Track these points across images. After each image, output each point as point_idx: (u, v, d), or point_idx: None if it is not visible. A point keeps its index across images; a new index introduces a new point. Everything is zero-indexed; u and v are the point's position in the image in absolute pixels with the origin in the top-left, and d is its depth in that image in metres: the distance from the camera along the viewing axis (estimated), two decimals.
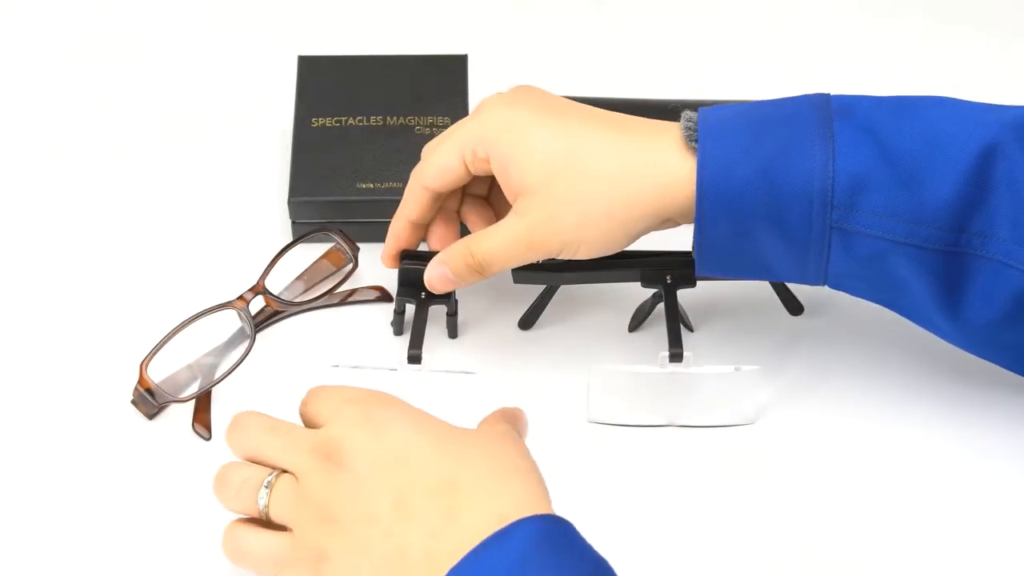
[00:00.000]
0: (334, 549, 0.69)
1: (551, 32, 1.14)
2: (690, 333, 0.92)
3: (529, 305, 0.93)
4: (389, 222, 0.90)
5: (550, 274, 0.89)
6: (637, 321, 0.93)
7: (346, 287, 0.95)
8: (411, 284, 0.89)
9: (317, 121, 1.00)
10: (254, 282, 0.91)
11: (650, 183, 0.79)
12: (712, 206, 0.78)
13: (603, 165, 0.80)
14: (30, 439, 0.87)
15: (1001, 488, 0.85)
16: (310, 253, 0.96)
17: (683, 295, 0.89)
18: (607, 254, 0.83)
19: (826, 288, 0.82)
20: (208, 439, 0.87)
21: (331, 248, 0.97)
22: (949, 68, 1.12)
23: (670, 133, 0.80)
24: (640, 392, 0.87)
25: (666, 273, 0.88)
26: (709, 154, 0.78)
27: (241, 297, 0.90)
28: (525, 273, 0.89)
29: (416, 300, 0.89)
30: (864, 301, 0.84)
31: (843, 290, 0.83)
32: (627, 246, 0.83)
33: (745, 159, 0.78)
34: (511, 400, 0.80)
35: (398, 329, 0.93)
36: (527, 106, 0.83)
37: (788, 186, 0.77)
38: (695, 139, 0.78)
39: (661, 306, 0.90)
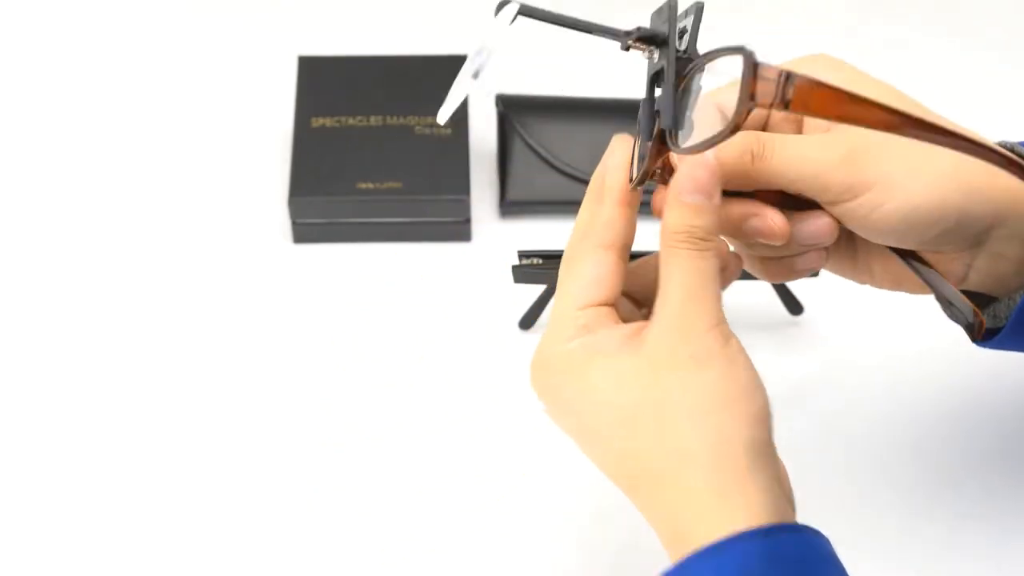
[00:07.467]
0: None
1: (551, 32, 1.14)
2: None
3: (529, 305, 0.93)
4: (389, 222, 0.88)
5: (550, 274, 0.89)
6: None
7: None
8: None
9: (317, 121, 1.00)
10: None
11: (992, 170, 0.61)
12: None
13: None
14: (32, 443, 0.87)
15: (1000, 483, 0.85)
16: None
17: None
18: (907, 230, 0.63)
19: (826, 288, 0.81)
20: None
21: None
22: (963, 87, 1.12)
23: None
24: None
25: None
26: None
27: None
28: (525, 273, 0.89)
29: None
30: (865, 302, 0.83)
31: None
32: (929, 232, 0.63)
33: None
34: (510, 401, 0.80)
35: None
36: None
37: None
38: None
39: None
